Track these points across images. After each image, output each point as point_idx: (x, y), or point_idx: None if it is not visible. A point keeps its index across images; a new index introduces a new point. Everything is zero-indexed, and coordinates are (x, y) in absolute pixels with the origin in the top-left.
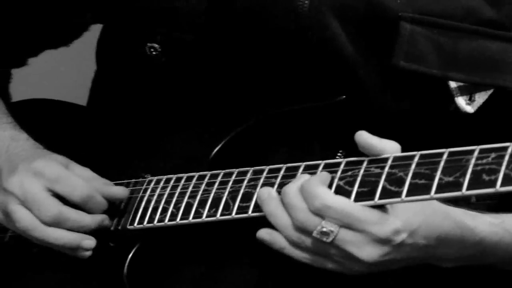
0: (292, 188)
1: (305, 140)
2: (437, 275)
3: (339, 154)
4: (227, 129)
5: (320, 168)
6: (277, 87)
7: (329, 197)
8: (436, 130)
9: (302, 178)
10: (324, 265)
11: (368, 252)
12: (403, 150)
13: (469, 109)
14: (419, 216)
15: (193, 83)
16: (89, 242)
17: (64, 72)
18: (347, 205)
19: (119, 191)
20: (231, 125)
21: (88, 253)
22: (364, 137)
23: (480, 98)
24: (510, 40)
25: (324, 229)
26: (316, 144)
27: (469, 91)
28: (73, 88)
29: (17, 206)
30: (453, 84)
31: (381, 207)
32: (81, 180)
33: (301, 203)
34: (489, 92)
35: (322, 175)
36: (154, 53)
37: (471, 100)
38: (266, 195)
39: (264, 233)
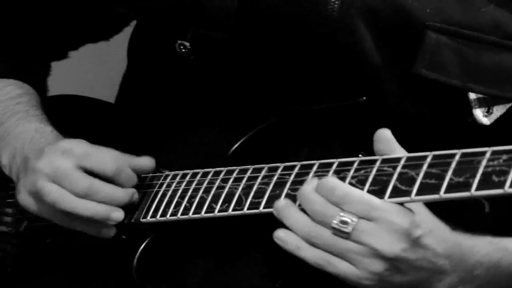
0: (307, 187)
1: (326, 141)
2: None
3: (360, 155)
4: (247, 127)
5: (334, 166)
6: (300, 87)
7: (347, 187)
8: (452, 140)
9: (314, 180)
10: (337, 267)
11: (388, 243)
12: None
13: (486, 121)
14: (433, 220)
15: (219, 81)
16: (118, 214)
17: (94, 69)
18: (364, 194)
19: (147, 162)
20: (251, 123)
21: (113, 232)
22: (386, 135)
23: (498, 111)
24: None
25: (344, 218)
26: (337, 144)
27: (488, 104)
28: (103, 85)
29: (46, 182)
30: (472, 96)
31: None
32: (110, 154)
33: (318, 197)
34: (508, 105)
35: (334, 176)
36: (183, 50)
37: (488, 113)
38: (284, 203)
39: (280, 233)
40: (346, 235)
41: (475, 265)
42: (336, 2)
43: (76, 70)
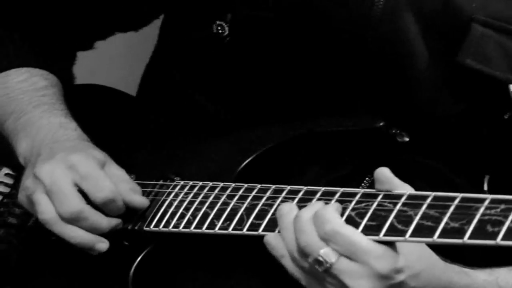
0: (305, 213)
1: (337, 160)
2: None
3: (366, 179)
4: (262, 142)
5: (337, 195)
6: (331, 93)
7: (340, 223)
8: (483, 140)
9: (316, 205)
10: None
11: (362, 285)
12: (448, 154)
13: None
14: (423, 262)
15: (251, 72)
16: (103, 245)
17: (116, 62)
18: (355, 234)
19: (139, 202)
20: (267, 138)
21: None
22: (385, 173)
23: None
24: None
25: (320, 258)
26: (349, 165)
27: None
28: (124, 78)
29: (43, 196)
30: None
31: (389, 244)
32: (109, 182)
33: (310, 227)
34: None
35: (336, 205)
36: (220, 31)
37: None
38: (287, 209)
39: (270, 238)
40: (325, 268)
41: None
42: None
43: (100, 62)
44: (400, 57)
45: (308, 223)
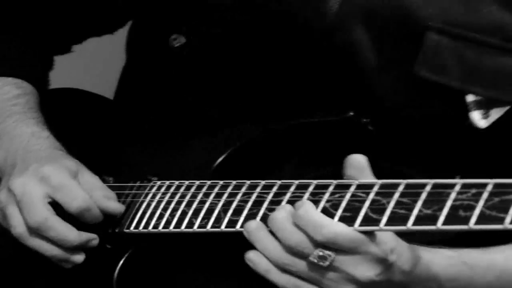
0: (280, 215)
1: (314, 154)
2: None
3: None
4: (236, 138)
5: (311, 188)
6: (293, 92)
7: (335, 227)
8: (450, 143)
9: (286, 207)
10: None
11: (365, 270)
12: (413, 160)
13: (483, 123)
14: (401, 244)
15: (212, 80)
16: (78, 257)
17: (94, 64)
18: (350, 232)
19: (114, 208)
20: (240, 134)
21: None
22: (360, 160)
23: (495, 114)
24: None
25: (321, 253)
26: (326, 158)
27: (485, 106)
28: (102, 80)
29: (14, 209)
30: (470, 98)
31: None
32: (83, 192)
33: (295, 230)
34: (505, 108)
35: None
36: (177, 44)
37: (485, 115)
38: (254, 225)
39: (251, 254)
40: (323, 267)
41: (433, 279)
42: (337, 3)
43: (77, 65)
44: (357, 67)
45: (288, 222)
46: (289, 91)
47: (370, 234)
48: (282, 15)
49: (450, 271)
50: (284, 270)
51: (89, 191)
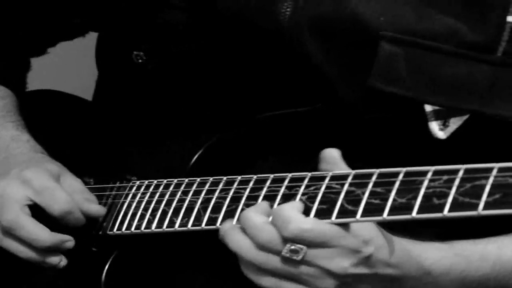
0: (251, 211)
1: (291, 147)
2: None
3: None
4: (210, 134)
5: (286, 181)
6: (259, 93)
7: (304, 220)
8: (412, 152)
9: (261, 205)
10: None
11: (338, 262)
12: (378, 165)
13: (441, 134)
14: (382, 236)
15: (178, 89)
16: (54, 259)
17: (73, 68)
18: (318, 227)
19: (95, 211)
20: (214, 130)
21: (62, 264)
22: (333, 154)
23: (455, 124)
24: (492, 64)
25: (293, 247)
26: (303, 151)
27: (444, 116)
28: (82, 82)
29: None
30: (428, 108)
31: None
32: (65, 195)
33: (266, 225)
34: (464, 117)
35: (295, 203)
36: (140, 60)
37: (444, 125)
38: (228, 226)
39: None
40: (296, 261)
41: (428, 272)
42: (287, 12)
43: (56, 67)
44: (315, 79)
45: (259, 217)
46: (255, 90)
47: (344, 226)
48: (236, 22)
49: (443, 264)
50: (262, 270)
51: (71, 194)
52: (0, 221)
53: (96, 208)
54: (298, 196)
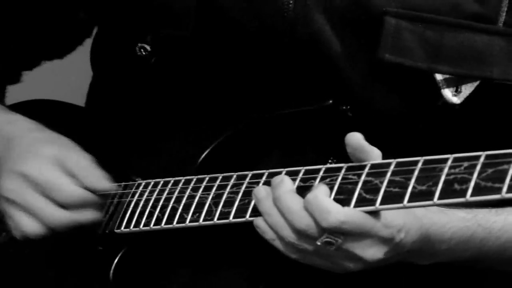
0: (286, 192)
1: (297, 145)
2: (449, 276)
3: (329, 161)
4: (217, 132)
5: (301, 174)
6: (267, 87)
7: (341, 211)
8: (425, 126)
9: (288, 184)
10: (314, 263)
11: (373, 252)
12: (394, 148)
13: (456, 100)
14: (411, 216)
15: (182, 84)
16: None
17: (62, 75)
18: (358, 216)
19: (109, 187)
20: (221, 128)
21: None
22: (357, 137)
23: (467, 89)
24: (494, 33)
25: (328, 239)
26: (309, 149)
27: (456, 83)
28: (72, 91)
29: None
30: (439, 77)
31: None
32: (71, 187)
33: (300, 210)
34: (475, 84)
35: (322, 187)
36: (144, 53)
37: (457, 92)
38: (264, 193)
39: (260, 222)
40: (336, 247)
41: (447, 240)
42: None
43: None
44: (323, 58)
45: (297, 205)
46: (263, 86)
47: (376, 216)
48: (241, 14)
49: (465, 233)
50: (295, 248)
51: (77, 173)
52: (59, 200)
53: (108, 185)
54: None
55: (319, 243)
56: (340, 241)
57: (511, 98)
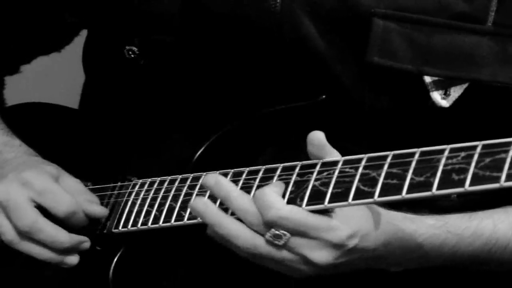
0: (236, 192)
1: (292, 141)
2: (434, 276)
3: None
4: (211, 130)
5: (297, 169)
6: (259, 85)
7: (282, 208)
8: (415, 126)
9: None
10: (271, 265)
11: (322, 255)
12: (383, 147)
13: (445, 103)
14: (369, 222)
15: (174, 84)
16: (72, 259)
17: (55, 77)
18: (300, 215)
19: (99, 212)
20: (215, 126)
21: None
22: (318, 136)
23: (456, 92)
24: (483, 33)
25: (277, 232)
26: (303, 144)
27: (444, 86)
28: (65, 93)
29: (1, 217)
30: (428, 79)
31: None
32: (67, 196)
33: (250, 206)
34: (464, 86)
35: (276, 184)
36: (132, 56)
37: (446, 95)
38: (202, 206)
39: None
40: (279, 246)
41: (416, 248)
42: (277, 2)
43: (38, 78)
44: (312, 59)
45: (250, 203)
46: (254, 84)
47: (327, 219)
48: (228, 17)
49: (435, 240)
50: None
51: (73, 195)
52: (16, 226)
53: (98, 209)
54: (311, 182)
55: (268, 236)
56: (288, 235)
57: (500, 99)
